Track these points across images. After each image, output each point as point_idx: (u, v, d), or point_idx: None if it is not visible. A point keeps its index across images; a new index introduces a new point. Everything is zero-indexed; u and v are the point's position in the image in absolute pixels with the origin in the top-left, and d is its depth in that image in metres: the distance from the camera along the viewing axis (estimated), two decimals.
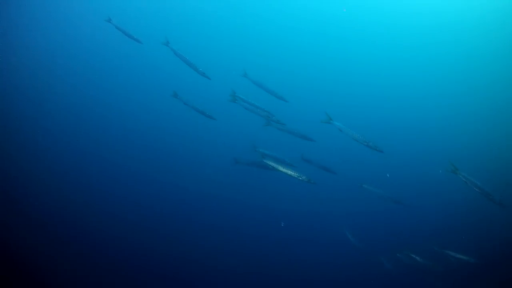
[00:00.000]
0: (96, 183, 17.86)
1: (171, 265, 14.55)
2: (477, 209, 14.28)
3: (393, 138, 21.09)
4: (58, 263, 12.26)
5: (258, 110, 10.26)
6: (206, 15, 29.38)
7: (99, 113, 23.12)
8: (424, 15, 26.48)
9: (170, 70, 22.73)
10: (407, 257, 12.57)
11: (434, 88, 26.18)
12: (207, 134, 21.19)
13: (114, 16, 12.33)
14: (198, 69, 10.79)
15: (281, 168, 7.96)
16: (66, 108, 22.22)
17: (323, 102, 25.89)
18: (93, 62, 26.22)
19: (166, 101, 12.56)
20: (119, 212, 16.14)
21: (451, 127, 23.74)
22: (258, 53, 28.36)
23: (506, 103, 23.52)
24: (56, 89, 22.93)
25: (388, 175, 17.53)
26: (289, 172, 7.86)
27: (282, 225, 18.01)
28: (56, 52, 25.26)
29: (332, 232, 16.05)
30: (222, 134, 21.43)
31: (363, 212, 18.02)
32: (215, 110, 11.07)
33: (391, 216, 17.21)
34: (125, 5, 26.68)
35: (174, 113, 21.13)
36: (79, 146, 20.31)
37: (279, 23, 29.94)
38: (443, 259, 11.91)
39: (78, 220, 14.82)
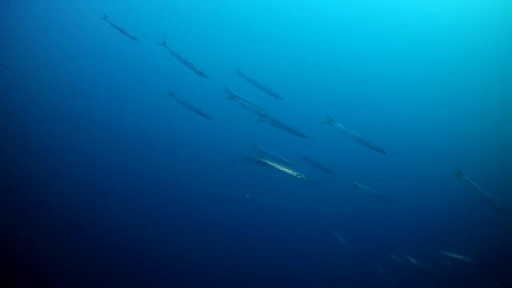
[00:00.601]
0: (96, 181, 17.60)
1: (170, 263, 14.33)
2: (474, 210, 14.19)
3: (388, 137, 20.88)
4: (59, 262, 12.08)
5: (255, 107, 10.11)
6: (200, 12, 29.09)
7: (96, 111, 22.76)
8: (426, 12, 26.27)
9: (167, 68, 22.49)
10: (402, 259, 12.41)
11: (430, 88, 25.99)
12: (206, 132, 20.99)
13: (110, 13, 12.03)
14: (196, 68, 10.63)
15: (279, 167, 7.74)
16: (62, 106, 21.88)
17: (317, 100, 25.76)
18: (89, 59, 25.91)
19: (164, 99, 12.36)
20: (119, 210, 15.92)
21: (450, 127, 23.57)
22: (253, 51, 28.16)
23: (507, 102, 23.37)
24: (52, 87, 22.55)
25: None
26: (288, 170, 7.64)
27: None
28: (52, 50, 24.87)
29: (326, 231, 15.87)
30: (220, 132, 21.24)
31: (357, 211, 17.85)
32: (212, 108, 10.87)
33: (386, 217, 17.09)
34: (120, 3, 26.36)
35: (172, 111, 20.88)
36: (77, 144, 20.01)
37: (274, 21, 29.71)
38: (438, 260, 11.81)
39: (78, 218, 14.63)
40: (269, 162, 7.92)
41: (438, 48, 26.74)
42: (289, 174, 7.65)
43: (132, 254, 14.04)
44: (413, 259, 12.05)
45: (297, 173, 7.61)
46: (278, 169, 7.75)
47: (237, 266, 14.72)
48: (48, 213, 14.14)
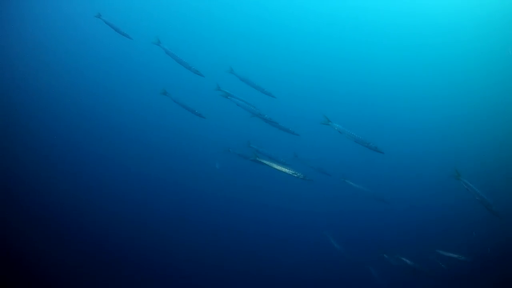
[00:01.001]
0: (95, 180, 17.44)
1: (169, 263, 14.22)
2: (472, 212, 14.06)
3: (384, 137, 20.64)
4: (60, 262, 12.00)
5: (250, 106, 9.97)
6: (193, 10, 28.75)
7: (90, 109, 22.51)
8: (424, 10, 25.66)
9: (161, 66, 22.25)
10: (396, 259, 12.21)
11: (429, 88, 25.56)
12: (202, 131, 20.79)
13: (104, 11, 11.77)
14: (191, 67, 10.46)
15: (275, 165, 7.60)
16: (57, 105, 21.66)
17: (310, 98, 25.51)
18: (84, 57, 25.57)
19: (159, 98, 12.24)
20: (117, 210, 15.76)
21: (449, 127, 23.37)
22: (247, 50, 27.91)
23: (506, 103, 23.13)
24: (48, 86, 22.31)
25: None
26: (284, 169, 7.53)
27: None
28: (48, 48, 24.56)
29: (321, 231, 15.68)
30: (217, 131, 21.02)
31: (354, 211, 17.65)
32: (208, 107, 10.69)
33: (382, 217, 16.90)
34: (113, 1, 25.99)
35: (168, 109, 20.62)
36: (75, 143, 19.84)
37: (267, 20, 29.38)
38: (433, 261, 11.65)
39: (78, 217, 14.55)
40: (264, 161, 7.75)
41: (436, 47, 26.31)
42: (285, 173, 7.53)
43: (132, 253, 13.93)
44: (408, 259, 11.85)
45: (293, 172, 7.50)
46: (274, 168, 7.62)
47: (233, 265, 14.56)
48: (48, 213, 14.08)
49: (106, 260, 13.05)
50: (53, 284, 11.37)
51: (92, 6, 22.94)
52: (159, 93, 11.42)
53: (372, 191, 13.44)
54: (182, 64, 10.58)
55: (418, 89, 25.83)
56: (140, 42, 14.82)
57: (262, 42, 28.65)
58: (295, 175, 7.47)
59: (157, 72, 23.46)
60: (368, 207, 16.33)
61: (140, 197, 17.41)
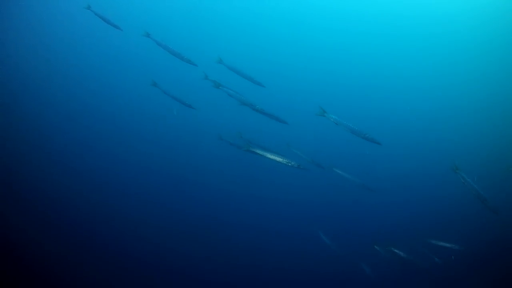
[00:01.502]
0: (88, 174, 17.14)
1: (165, 260, 13.97)
2: (469, 206, 13.92)
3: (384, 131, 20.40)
4: (65, 262, 11.91)
5: (241, 96, 9.73)
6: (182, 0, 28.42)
7: (81, 103, 22.11)
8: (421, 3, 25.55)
9: (152, 57, 21.95)
10: (389, 252, 12.00)
11: (429, 81, 25.37)
12: (195, 123, 20.46)
13: (94, 3, 11.43)
14: (184, 57, 10.38)
15: (269, 155, 7.42)
16: (45, 98, 21.27)
17: (300, 88, 25.26)
18: (71, 49, 25.13)
19: (149, 90, 12.02)
20: (116, 206, 15.61)
21: (446, 120, 22.99)
22: (236, 40, 27.65)
23: (505, 99, 22.94)
24: (34, 78, 21.86)
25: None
26: (278, 158, 7.33)
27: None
28: (33, 41, 24.11)
29: (316, 224, 15.49)
30: (207, 123, 20.71)
31: (344, 203, 17.49)
32: (199, 98, 10.41)
33: (379, 210, 16.78)
34: None
35: (159, 101, 20.32)
36: (66, 141, 19.34)
37: (258, 11, 29.05)
38: (427, 253, 11.47)
39: (79, 214, 14.41)
40: (258, 151, 7.51)
41: (435, 38, 25.93)
42: (279, 162, 7.36)
43: (133, 250, 13.84)
44: (401, 252, 11.62)
45: (287, 161, 7.34)
46: (268, 157, 7.43)
47: (226, 258, 14.36)
48: (50, 210, 13.97)
49: (108, 257, 12.93)
50: (56, 282, 11.24)
51: None
52: (149, 84, 11.35)
53: (360, 180, 13.22)
54: (174, 55, 10.50)
55: (416, 81, 25.58)
56: (131, 33, 14.53)
57: (251, 31, 28.35)
58: (289, 164, 7.32)
59: (148, 63, 23.20)
60: (362, 199, 16.17)
61: (142, 195, 17.18)
